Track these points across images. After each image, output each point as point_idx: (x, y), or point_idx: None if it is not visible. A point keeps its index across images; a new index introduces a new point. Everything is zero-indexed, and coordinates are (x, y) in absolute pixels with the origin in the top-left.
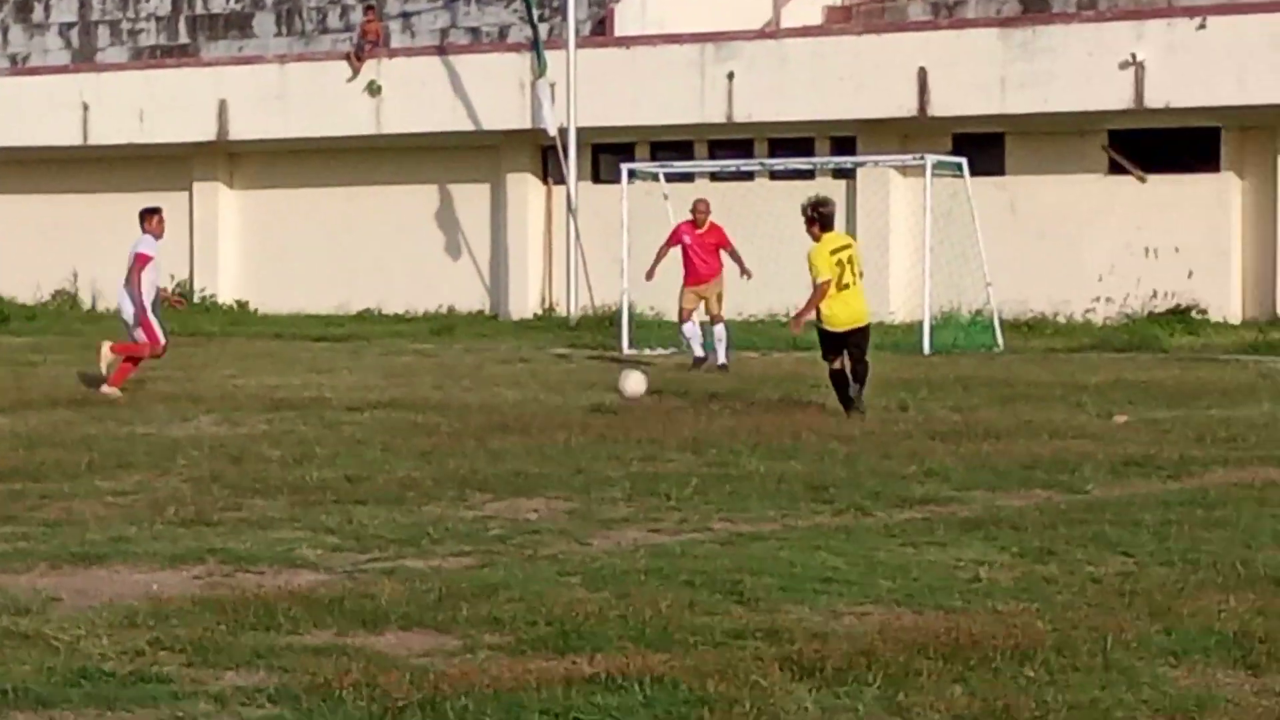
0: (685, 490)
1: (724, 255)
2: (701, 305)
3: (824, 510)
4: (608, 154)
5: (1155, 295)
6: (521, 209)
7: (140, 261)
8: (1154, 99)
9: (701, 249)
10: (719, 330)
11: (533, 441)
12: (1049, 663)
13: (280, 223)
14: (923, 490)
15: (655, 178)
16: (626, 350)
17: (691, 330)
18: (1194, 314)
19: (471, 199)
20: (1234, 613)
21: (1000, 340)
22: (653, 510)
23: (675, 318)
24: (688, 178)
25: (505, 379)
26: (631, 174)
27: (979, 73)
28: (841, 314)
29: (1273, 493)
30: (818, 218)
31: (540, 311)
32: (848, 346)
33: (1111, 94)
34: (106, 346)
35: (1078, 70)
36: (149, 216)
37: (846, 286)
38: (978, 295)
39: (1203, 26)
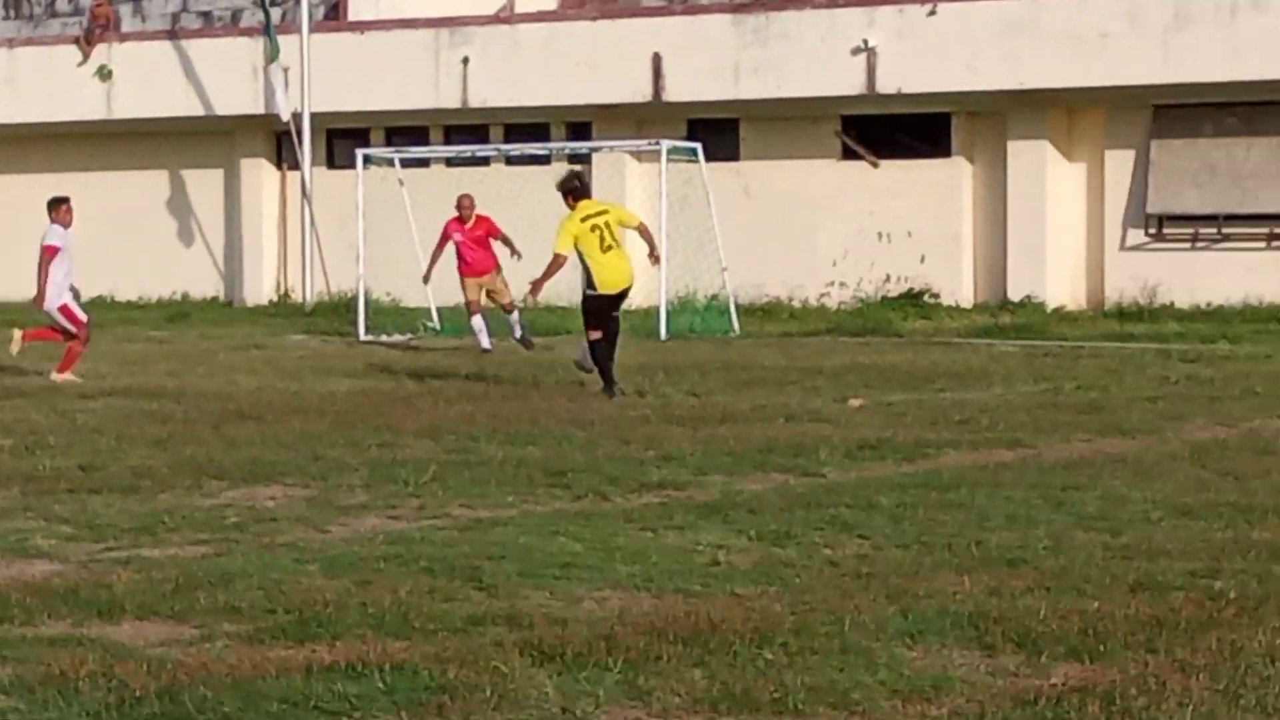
0: (424, 477)
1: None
2: (484, 296)
3: (563, 495)
4: (343, 139)
5: (889, 279)
6: (256, 195)
7: (48, 254)
8: (886, 85)
9: (473, 242)
10: (515, 316)
11: (269, 429)
12: (787, 645)
13: (9, 209)
14: (660, 475)
15: (391, 163)
16: (363, 337)
17: (479, 323)
18: (927, 298)
19: (205, 185)
20: (969, 594)
21: (736, 325)
22: (391, 497)
23: (411, 304)
24: (424, 163)
25: (240, 366)
26: (367, 159)
27: (713, 58)
28: (610, 276)
29: (1006, 475)
30: (568, 191)
31: (275, 298)
32: (612, 310)
33: (844, 80)
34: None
35: (810, 56)
36: (56, 206)
37: (610, 249)
38: (713, 280)
39: (933, 13)
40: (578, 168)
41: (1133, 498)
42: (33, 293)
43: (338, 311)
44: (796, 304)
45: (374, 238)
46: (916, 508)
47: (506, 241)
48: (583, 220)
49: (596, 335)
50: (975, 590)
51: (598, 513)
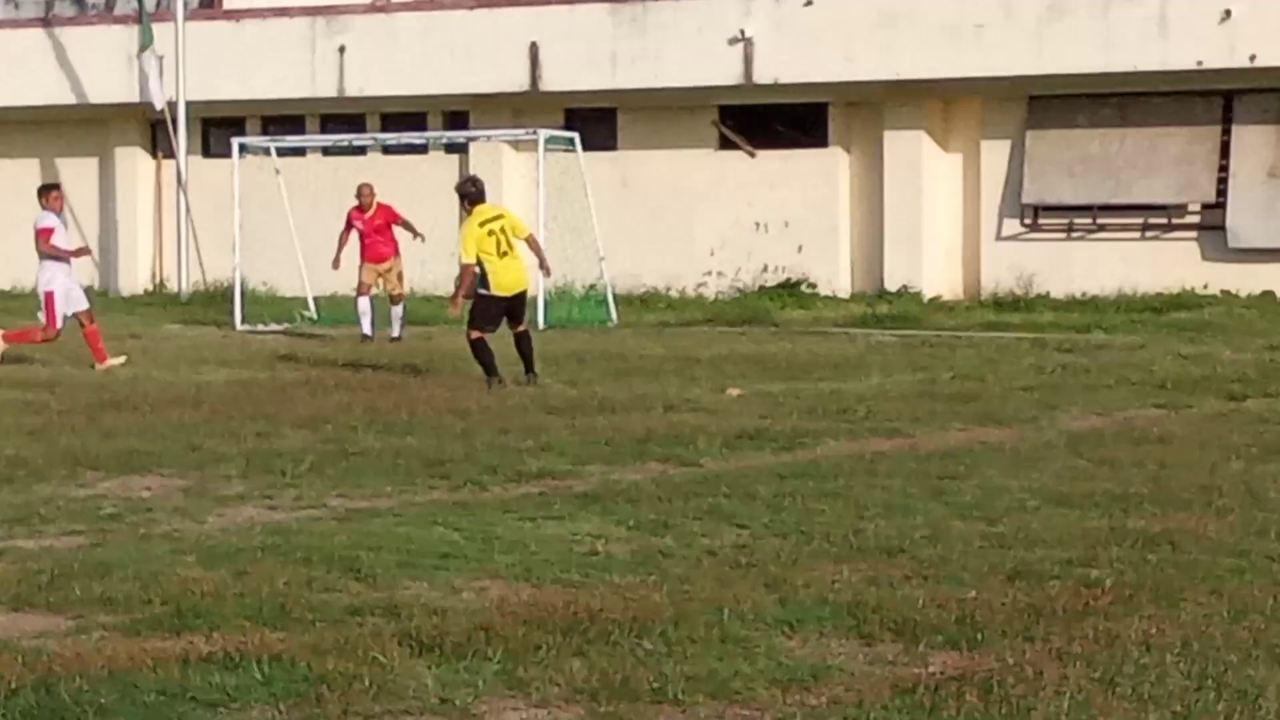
0: (301, 467)
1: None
2: (381, 283)
3: (441, 486)
4: (218, 128)
5: (766, 269)
6: (131, 184)
7: (44, 234)
8: (763, 75)
9: (374, 230)
10: (398, 310)
11: (145, 419)
12: (667, 635)
13: None
14: (539, 465)
15: (267, 152)
16: (240, 326)
17: (364, 306)
18: (804, 288)
19: (79, 173)
20: (847, 583)
21: (614, 315)
22: (269, 487)
23: (288, 294)
24: (300, 152)
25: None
26: (242, 148)
27: (590, 48)
28: (506, 278)
29: (883, 463)
30: (465, 196)
31: (151, 288)
32: (509, 314)
33: (721, 70)
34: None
35: (688, 46)
36: (46, 192)
37: (505, 254)
38: (591, 270)
39: (810, 3)
40: (473, 175)
41: (1009, 487)
42: None
43: (214, 301)
44: (674, 294)
45: (250, 227)
46: (795, 497)
47: (407, 226)
48: (480, 225)
49: (476, 335)
50: (853, 579)
51: (476, 503)
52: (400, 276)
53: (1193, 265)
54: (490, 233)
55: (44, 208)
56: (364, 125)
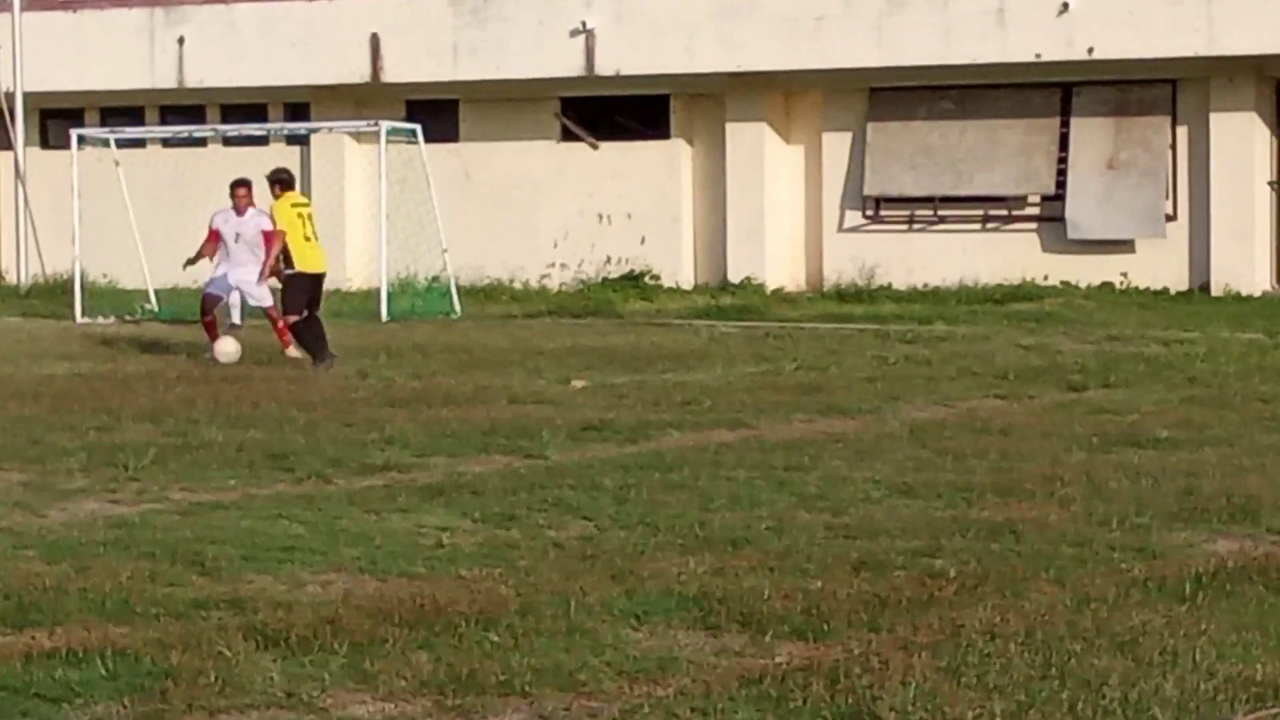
0: (144, 460)
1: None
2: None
3: (285, 478)
4: (57, 119)
5: (609, 261)
6: None
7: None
8: (604, 67)
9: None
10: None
11: None
12: (513, 627)
13: None
14: (384, 457)
15: (106, 144)
16: (80, 319)
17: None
18: (647, 279)
19: None
20: (693, 574)
21: (458, 307)
22: (111, 481)
23: (128, 286)
24: (140, 144)
25: None
26: (81, 140)
27: (432, 39)
28: (310, 257)
29: (728, 455)
30: (276, 181)
31: None
32: (312, 297)
33: (563, 61)
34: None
35: (529, 38)
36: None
37: (309, 239)
38: (434, 262)
39: None
40: (283, 167)
41: (853, 477)
42: None
43: (54, 294)
44: (518, 285)
45: (90, 219)
46: (640, 489)
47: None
48: (292, 206)
49: (295, 318)
50: (699, 571)
51: (320, 495)
52: None
53: (1033, 256)
54: (300, 215)
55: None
56: (204, 117)
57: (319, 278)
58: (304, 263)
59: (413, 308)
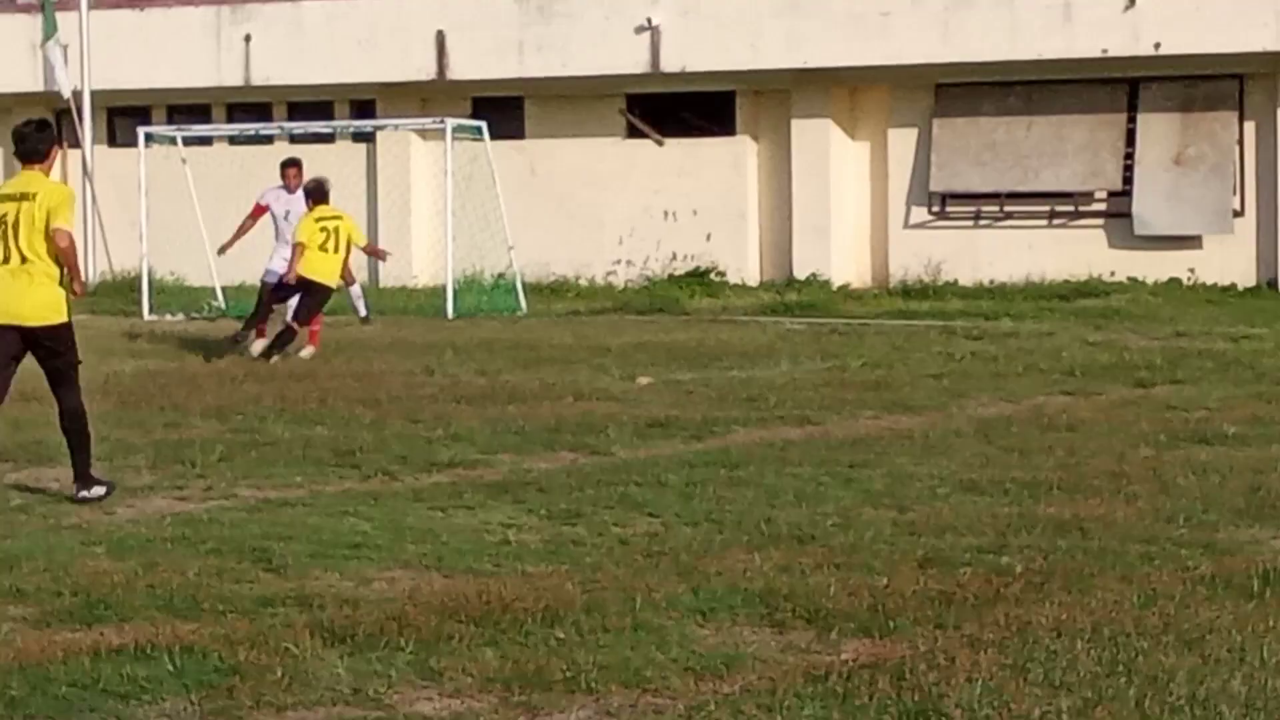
0: (211, 457)
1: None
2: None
3: (351, 475)
4: (124, 117)
5: (675, 258)
6: None
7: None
8: (669, 63)
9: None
10: (355, 289)
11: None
12: (579, 624)
13: None
14: (449, 454)
15: (173, 141)
16: (147, 316)
17: (357, 291)
18: (713, 276)
19: None
20: (759, 571)
21: (523, 303)
22: (178, 478)
23: (195, 283)
24: (206, 141)
25: None
26: (148, 138)
27: (497, 36)
28: (322, 269)
29: (793, 451)
30: (308, 194)
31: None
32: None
33: (628, 58)
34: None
35: (595, 34)
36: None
37: (323, 250)
38: (500, 259)
39: None
40: (320, 178)
41: (920, 474)
42: None
43: (121, 291)
44: (583, 282)
45: (157, 216)
46: (706, 486)
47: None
48: (316, 220)
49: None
50: (765, 567)
51: (387, 492)
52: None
53: (1099, 252)
54: (323, 229)
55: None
56: (270, 114)
57: (321, 287)
58: (312, 270)
59: (479, 304)
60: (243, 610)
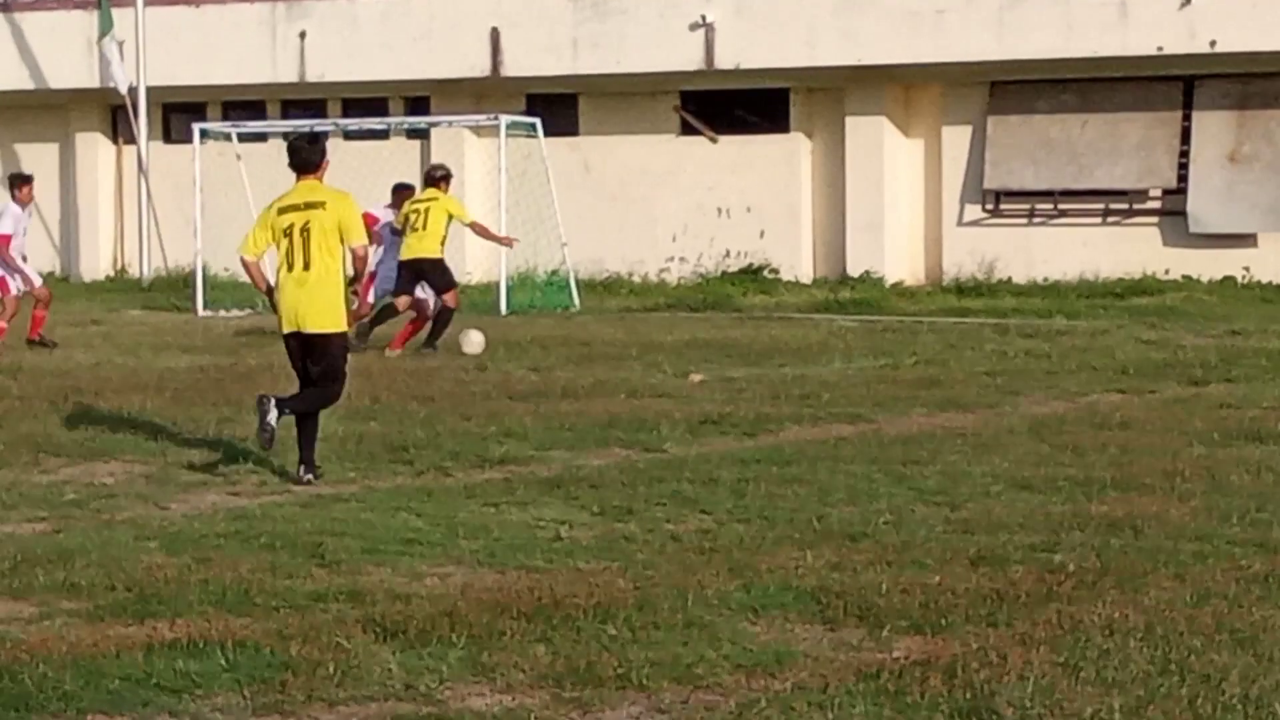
0: (264, 452)
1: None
2: None
3: (404, 471)
4: (179, 114)
5: (728, 255)
6: (91, 169)
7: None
8: (724, 60)
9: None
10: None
11: (107, 405)
12: (631, 620)
13: None
14: (502, 450)
15: (228, 138)
16: (201, 312)
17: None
18: (766, 273)
19: (40, 159)
20: (811, 568)
21: (576, 300)
22: (232, 473)
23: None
24: (261, 138)
25: (78, 341)
26: (203, 134)
27: (551, 33)
28: (417, 246)
29: (846, 449)
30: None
31: (112, 273)
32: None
33: (682, 55)
34: None
35: (649, 31)
36: (19, 185)
37: (416, 229)
38: (554, 255)
39: None
40: (438, 163)
41: (972, 472)
42: None
43: (175, 287)
44: (636, 279)
45: (211, 212)
46: (758, 482)
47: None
48: (410, 203)
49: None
50: (817, 564)
51: (439, 488)
52: None
53: (1154, 250)
54: (415, 209)
55: (14, 200)
56: (325, 111)
57: (427, 261)
58: (410, 252)
59: (532, 301)
60: (295, 605)
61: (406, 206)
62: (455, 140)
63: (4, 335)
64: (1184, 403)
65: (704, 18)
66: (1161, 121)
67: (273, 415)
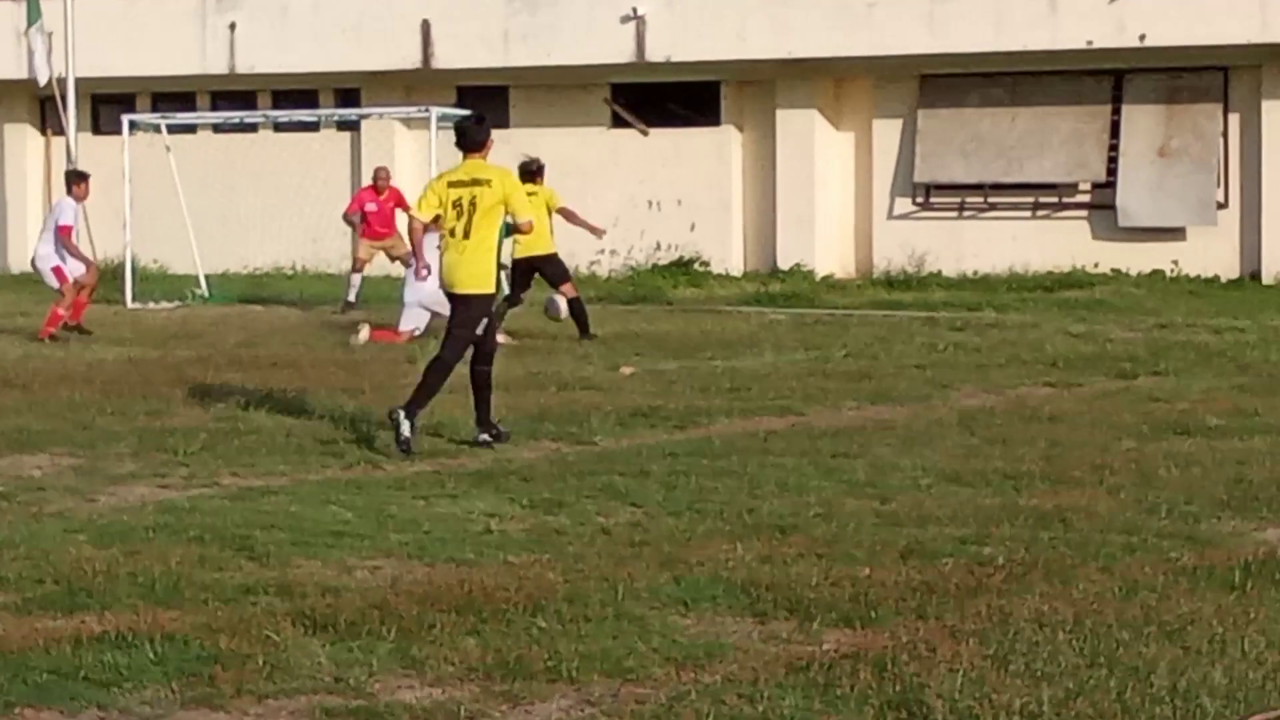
0: (193, 445)
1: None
2: (376, 257)
3: (334, 464)
4: (108, 105)
5: (659, 247)
6: (20, 161)
7: (65, 233)
8: (655, 53)
9: (384, 212)
10: (356, 278)
11: (35, 397)
12: (561, 613)
13: None
14: (432, 443)
15: (157, 129)
16: (130, 304)
17: (357, 280)
18: (697, 266)
19: None
20: (741, 561)
21: (507, 292)
22: (160, 466)
23: (179, 271)
24: (190, 129)
25: (6, 334)
26: (133, 125)
27: (482, 25)
28: (530, 242)
29: (777, 442)
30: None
31: None
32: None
33: (613, 48)
34: None
35: (580, 24)
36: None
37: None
38: None
39: None
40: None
41: (902, 465)
42: None
43: (105, 279)
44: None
45: (141, 204)
46: (688, 475)
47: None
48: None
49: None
50: (747, 557)
51: (369, 481)
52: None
53: (1083, 244)
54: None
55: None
56: (255, 103)
57: (526, 261)
58: (528, 249)
59: None
60: (224, 598)
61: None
62: (386, 132)
63: (66, 319)
64: (1113, 396)
65: (635, 10)
66: (1091, 115)
67: (405, 428)
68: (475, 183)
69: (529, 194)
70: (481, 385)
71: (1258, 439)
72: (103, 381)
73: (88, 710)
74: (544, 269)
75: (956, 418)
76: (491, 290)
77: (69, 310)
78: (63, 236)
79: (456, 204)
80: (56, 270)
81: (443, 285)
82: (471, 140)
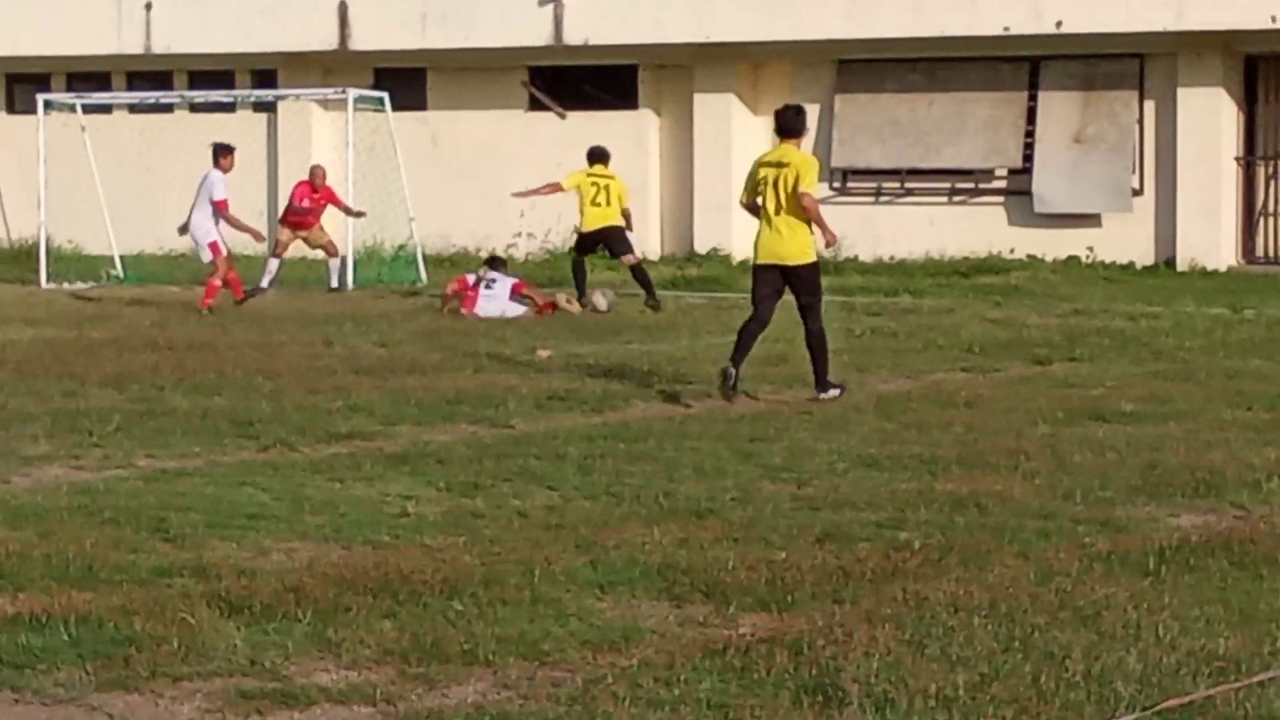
0: (108, 427)
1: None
2: (294, 245)
3: (249, 446)
4: (23, 84)
5: (576, 231)
6: None
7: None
8: (573, 36)
9: (316, 206)
10: (336, 263)
11: None
12: (477, 596)
13: None
14: (348, 425)
15: (73, 109)
16: (45, 285)
17: (274, 265)
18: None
19: None
20: (657, 545)
21: (424, 275)
22: (75, 447)
23: (94, 252)
24: (106, 110)
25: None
26: (48, 105)
27: (400, 7)
28: (599, 219)
29: (693, 426)
30: (591, 155)
31: None
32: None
33: (531, 31)
34: None
35: (498, 7)
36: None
37: (597, 205)
38: (401, 230)
39: None
40: (600, 146)
41: (819, 449)
42: None
43: (19, 259)
44: (484, 254)
45: (56, 185)
46: (605, 459)
47: (346, 209)
48: (588, 175)
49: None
50: (664, 541)
51: (285, 463)
52: (324, 231)
53: (999, 230)
54: (595, 184)
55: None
56: (171, 83)
57: (596, 233)
58: (595, 222)
59: (379, 276)
60: (139, 580)
61: (583, 180)
62: (303, 114)
63: (222, 292)
64: (1028, 381)
65: None
66: (1007, 101)
67: (733, 375)
68: (779, 165)
69: (605, 177)
70: (816, 348)
71: (1172, 425)
72: (16, 362)
73: (1, 692)
74: (610, 241)
75: (873, 403)
76: (814, 259)
77: (225, 284)
78: (221, 211)
79: (764, 182)
80: (213, 245)
81: (767, 259)
82: (788, 127)
